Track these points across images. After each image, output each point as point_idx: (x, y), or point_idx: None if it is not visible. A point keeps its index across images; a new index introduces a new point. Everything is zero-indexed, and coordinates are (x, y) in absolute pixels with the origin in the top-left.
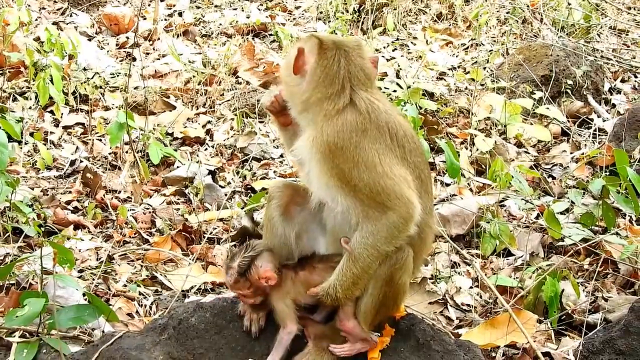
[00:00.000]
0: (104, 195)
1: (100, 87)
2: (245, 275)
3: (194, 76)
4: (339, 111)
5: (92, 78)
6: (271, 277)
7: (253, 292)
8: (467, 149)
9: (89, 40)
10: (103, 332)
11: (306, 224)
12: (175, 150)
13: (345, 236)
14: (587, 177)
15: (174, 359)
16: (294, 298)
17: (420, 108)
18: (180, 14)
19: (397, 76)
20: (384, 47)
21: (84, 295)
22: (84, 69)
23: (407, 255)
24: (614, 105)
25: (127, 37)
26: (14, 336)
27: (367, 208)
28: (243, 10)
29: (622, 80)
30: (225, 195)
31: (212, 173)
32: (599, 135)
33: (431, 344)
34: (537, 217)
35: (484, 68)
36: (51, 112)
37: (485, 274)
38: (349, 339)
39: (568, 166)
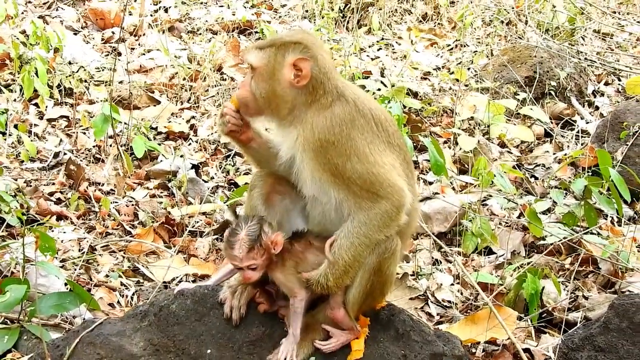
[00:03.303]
0: (87, 187)
1: (85, 81)
2: (258, 242)
3: (177, 73)
4: (331, 104)
5: (77, 72)
6: (280, 242)
7: (265, 261)
8: (450, 148)
9: (75, 34)
10: (84, 320)
11: (287, 213)
12: (159, 144)
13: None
14: (570, 177)
15: (155, 345)
16: (293, 268)
17: (404, 107)
18: (166, 10)
19: (382, 75)
20: (369, 46)
21: (65, 284)
22: (69, 63)
23: (396, 245)
24: (597, 108)
25: (113, 32)
26: None
27: (360, 199)
28: (229, 8)
29: (606, 83)
30: (209, 189)
31: (195, 167)
32: (581, 136)
33: (410, 334)
34: (519, 217)
35: (468, 69)
36: (36, 104)
37: (465, 275)
38: (333, 332)
39: (551, 167)
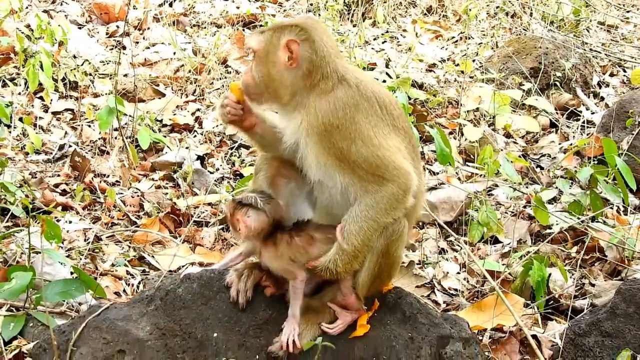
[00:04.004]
0: (92, 179)
1: (90, 74)
2: (238, 206)
3: (182, 66)
4: (333, 88)
5: (81, 65)
6: (244, 232)
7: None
8: (455, 138)
9: (79, 28)
10: (90, 306)
11: (293, 197)
12: (165, 136)
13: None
14: (575, 167)
15: (161, 330)
16: (288, 259)
17: (410, 98)
18: (170, 4)
19: (387, 66)
20: (374, 39)
21: (71, 273)
22: (74, 56)
23: (403, 227)
24: (602, 99)
25: (117, 26)
26: (1, 310)
27: (366, 183)
28: (233, 1)
29: (611, 74)
30: (214, 180)
31: (200, 158)
32: (587, 127)
33: (417, 316)
34: (524, 206)
35: (473, 60)
36: (41, 98)
37: (472, 261)
38: (338, 312)
39: (556, 157)
